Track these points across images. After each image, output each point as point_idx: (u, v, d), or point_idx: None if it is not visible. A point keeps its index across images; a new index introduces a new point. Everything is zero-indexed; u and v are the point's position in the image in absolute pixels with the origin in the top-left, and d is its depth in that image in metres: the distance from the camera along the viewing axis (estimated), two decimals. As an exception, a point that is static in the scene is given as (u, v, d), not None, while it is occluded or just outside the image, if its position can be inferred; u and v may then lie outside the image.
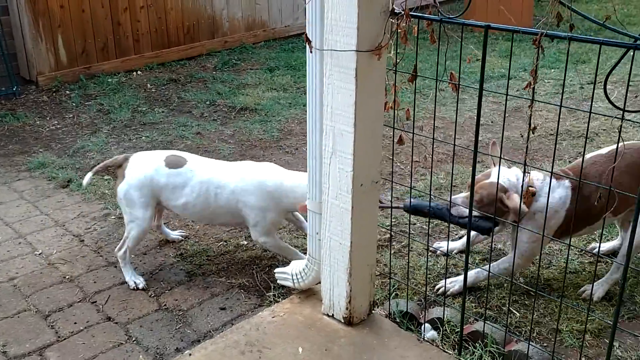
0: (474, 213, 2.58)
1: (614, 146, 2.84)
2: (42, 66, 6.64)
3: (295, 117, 5.79)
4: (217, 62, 7.67)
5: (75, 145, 5.16)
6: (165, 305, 3.04)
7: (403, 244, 3.46)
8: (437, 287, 3.01)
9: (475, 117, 2.18)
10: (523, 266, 2.98)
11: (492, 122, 5.61)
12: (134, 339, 2.80)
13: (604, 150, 2.96)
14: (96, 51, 6.99)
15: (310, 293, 2.64)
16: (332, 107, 2.11)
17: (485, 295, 2.93)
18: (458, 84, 2.00)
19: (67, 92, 6.60)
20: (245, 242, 3.60)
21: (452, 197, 2.81)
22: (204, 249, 3.54)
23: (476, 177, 2.73)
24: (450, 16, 1.91)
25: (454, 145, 2.44)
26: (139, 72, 7.27)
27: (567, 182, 2.81)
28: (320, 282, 2.51)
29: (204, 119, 5.81)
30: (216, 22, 7.96)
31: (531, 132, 1.99)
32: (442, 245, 3.28)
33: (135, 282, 3.19)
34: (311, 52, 2.09)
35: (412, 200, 2.88)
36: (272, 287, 3.12)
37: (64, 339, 2.81)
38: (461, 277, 3.04)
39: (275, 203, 3.08)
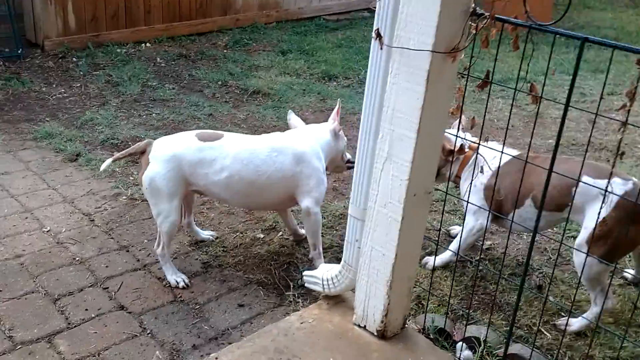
0: None
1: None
2: (49, 30, 6.41)
3: (310, 106, 5.63)
4: (228, 40, 7.48)
5: (84, 117, 4.97)
6: (180, 297, 2.91)
7: (427, 250, 3.35)
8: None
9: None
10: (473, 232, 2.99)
11: (512, 126, 5.49)
12: (148, 332, 2.67)
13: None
14: (106, 19, 6.76)
15: (338, 299, 2.52)
16: (393, 109, 1.98)
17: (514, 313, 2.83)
18: (540, 97, 1.88)
19: (74, 59, 6.39)
20: (262, 236, 3.47)
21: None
22: (219, 239, 3.41)
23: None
24: (542, 23, 1.77)
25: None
26: (148, 45, 7.06)
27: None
28: (352, 290, 2.39)
29: (216, 100, 5.64)
30: (230, -2, 7.77)
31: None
32: (429, 260, 3.16)
33: (176, 280, 2.98)
34: (381, 49, 1.94)
35: None
36: (291, 286, 3.01)
37: (75, 326, 2.67)
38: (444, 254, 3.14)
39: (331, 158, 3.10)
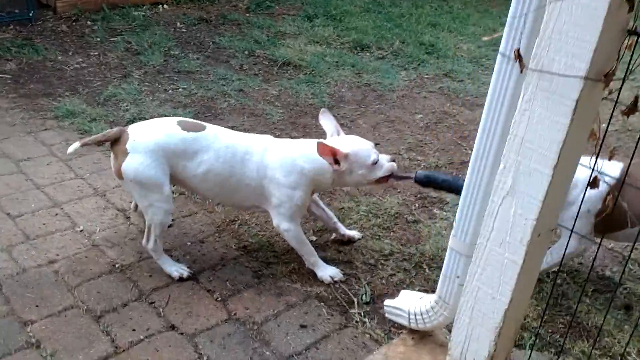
0: None
1: None
2: (62, -10, 5.99)
3: (345, 81, 5.27)
4: (249, 1, 7.05)
5: (106, 91, 4.62)
6: (235, 314, 2.63)
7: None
8: None
9: None
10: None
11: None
12: (205, 358, 2.40)
13: None
14: (122, -21, 6.32)
15: (424, 333, 2.25)
16: (522, 138, 1.66)
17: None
18: None
19: (89, 23, 5.99)
20: (315, 238, 3.18)
21: None
22: (268, 242, 3.12)
23: None
24: None
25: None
26: (165, 6, 6.65)
27: None
28: (443, 327, 2.12)
29: (244, 73, 5.27)
30: (253, -42, 7.28)
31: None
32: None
33: (180, 272, 2.79)
34: (521, 72, 1.61)
35: (422, 171, 2.82)
36: (355, 302, 2.74)
37: (123, 351, 2.40)
38: None
39: (307, 179, 2.71)
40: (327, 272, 2.86)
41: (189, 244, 3.07)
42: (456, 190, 2.57)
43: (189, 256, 2.97)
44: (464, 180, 2.43)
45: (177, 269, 2.80)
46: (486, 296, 1.90)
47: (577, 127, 1.58)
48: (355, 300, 2.75)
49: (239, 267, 2.92)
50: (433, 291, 2.81)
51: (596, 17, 1.44)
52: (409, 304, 2.21)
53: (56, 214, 3.19)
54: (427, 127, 4.56)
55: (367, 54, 5.96)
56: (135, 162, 2.62)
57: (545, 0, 1.51)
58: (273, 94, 4.91)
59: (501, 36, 1.68)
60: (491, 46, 6.31)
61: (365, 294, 2.78)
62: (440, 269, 2.92)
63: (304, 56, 5.65)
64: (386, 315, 2.32)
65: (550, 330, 2.61)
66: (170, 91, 4.78)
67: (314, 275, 2.89)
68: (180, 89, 4.82)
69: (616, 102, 1.65)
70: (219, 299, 2.71)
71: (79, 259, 2.88)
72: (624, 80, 1.63)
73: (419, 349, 2.18)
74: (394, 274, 2.91)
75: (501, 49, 1.67)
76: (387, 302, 2.30)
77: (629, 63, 1.59)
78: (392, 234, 3.25)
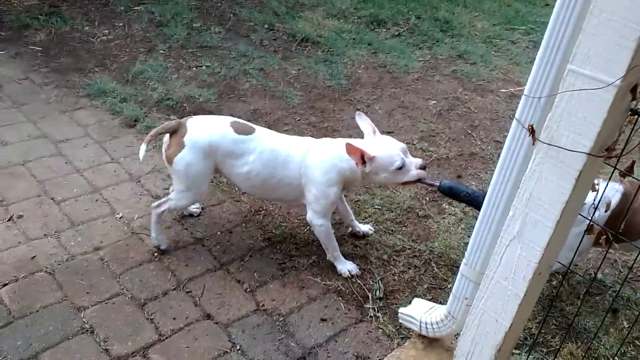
0: None
1: None
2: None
3: (362, 61, 5.45)
4: (268, -33, 7.09)
5: (134, 68, 4.82)
6: (263, 305, 2.95)
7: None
8: None
9: None
10: None
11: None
12: (238, 348, 2.73)
13: None
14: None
15: (432, 338, 2.56)
16: (530, 193, 1.92)
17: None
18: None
19: (111, -12, 6.08)
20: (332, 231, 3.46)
21: None
22: (290, 234, 3.41)
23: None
24: None
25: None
26: (185, -29, 6.69)
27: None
28: (451, 336, 2.44)
29: (265, 49, 5.44)
30: None
31: None
32: None
33: (158, 241, 3.15)
34: (533, 144, 1.85)
35: (449, 181, 2.93)
36: (370, 297, 3.05)
37: (166, 338, 2.73)
38: None
39: (341, 177, 2.97)
40: (346, 266, 3.16)
41: (218, 233, 3.36)
42: (476, 205, 2.80)
43: (219, 246, 3.27)
44: (483, 197, 2.72)
45: (157, 238, 3.13)
46: (490, 318, 2.20)
47: (578, 191, 1.83)
48: (369, 295, 3.06)
49: (265, 259, 3.23)
50: (440, 289, 3.14)
51: (602, 104, 1.66)
52: (420, 314, 2.51)
53: (96, 200, 3.47)
54: (439, 114, 4.78)
55: (383, 30, 6.10)
56: (188, 156, 2.92)
57: (557, 89, 1.74)
58: (292, 74, 5.10)
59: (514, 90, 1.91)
60: (504, 24, 6.42)
61: (379, 289, 3.09)
62: (447, 267, 3.24)
63: (322, 32, 5.80)
64: (400, 321, 2.63)
65: (543, 332, 2.94)
66: (194, 68, 4.98)
67: (333, 269, 3.19)
68: (203, 67, 5.01)
69: (614, 168, 1.90)
70: (248, 289, 3.03)
71: (121, 246, 3.18)
72: (621, 153, 1.87)
73: (428, 353, 2.50)
74: (405, 271, 3.21)
75: (517, 115, 1.90)
76: (401, 310, 2.61)
77: (629, 135, 1.84)
78: (403, 228, 3.54)
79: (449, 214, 3.68)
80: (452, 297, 2.35)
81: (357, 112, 3.15)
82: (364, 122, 3.09)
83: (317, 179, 2.97)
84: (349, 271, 3.15)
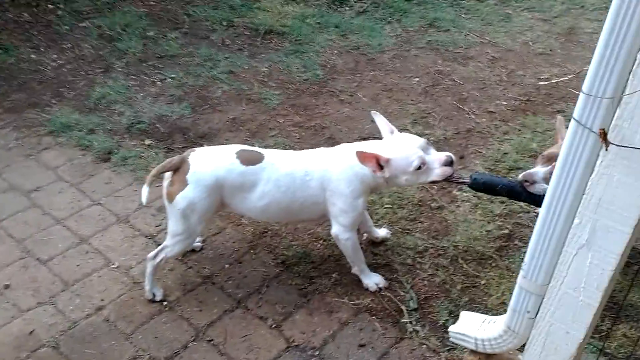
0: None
1: None
2: (16, -25, 5.58)
3: (332, 46, 5.16)
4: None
5: (94, 93, 4.44)
6: (293, 340, 2.71)
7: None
8: None
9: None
10: None
11: (550, 50, 5.16)
12: (278, 395, 2.50)
13: None
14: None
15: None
16: (600, 199, 1.71)
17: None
18: None
19: (50, 6, 5.64)
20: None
21: (529, 172, 2.59)
22: (304, 252, 3.16)
23: (551, 149, 2.67)
24: None
25: None
26: (125, -24, 6.25)
27: None
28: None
29: (229, 49, 5.11)
30: None
31: None
32: None
33: (153, 293, 2.88)
34: (606, 149, 1.62)
35: (480, 175, 2.65)
36: (404, 310, 2.84)
37: (197, 398, 2.48)
38: None
39: (366, 185, 2.72)
40: (373, 279, 2.94)
41: (227, 266, 3.09)
42: (516, 196, 2.60)
43: (231, 280, 3.01)
44: (520, 185, 2.51)
45: (152, 291, 2.88)
46: (559, 330, 2.00)
47: (658, 192, 1.63)
48: (403, 308, 2.84)
49: (283, 286, 2.98)
50: (474, 287, 2.94)
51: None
52: (474, 331, 2.30)
53: (86, 252, 3.16)
54: (425, 92, 4.55)
55: (347, 8, 5.80)
56: (191, 194, 2.65)
57: (622, 86, 1.52)
58: (264, 72, 4.79)
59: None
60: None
61: (412, 300, 2.88)
62: (475, 262, 3.04)
63: (285, 20, 5.48)
64: (451, 339, 2.42)
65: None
66: (159, 83, 4.63)
67: (357, 284, 2.97)
68: (168, 80, 4.66)
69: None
70: (273, 325, 2.78)
71: (125, 301, 2.89)
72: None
73: (488, 369, 2.30)
74: (434, 274, 3.00)
75: (577, 115, 1.67)
76: (451, 328, 2.40)
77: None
78: (419, 225, 3.32)
79: (462, 200, 3.48)
80: (511, 311, 2.14)
81: (373, 112, 2.86)
82: (380, 121, 2.81)
83: (342, 191, 2.72)
84: (376, 284, 2.93)
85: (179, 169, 2.70)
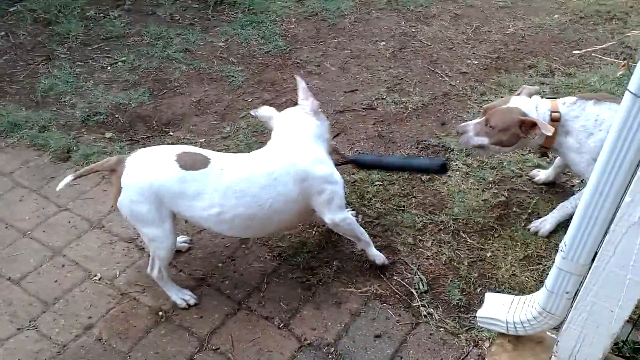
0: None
1: None
2: None
3: (289, 14, 4.90)
4: None
5: (39, 85, 4.06)
6: (304, 338, 2.56)
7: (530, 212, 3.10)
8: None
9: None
10: None
11: (511, 2, 5.05)
12: (300, 401, 2.35)
13: None
14: None
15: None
16: (655, 176, 1.60)
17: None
18: None
19: (-28, -9, 5.10)
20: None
21: (464, 123, 2.84)
22: (300, 242, 2.99)
23: (492, 103, 2.82)
24: None
25: None
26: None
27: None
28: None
29: (179, 25, 4.77)
30: None
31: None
32: (541, 226, 2.97)
33: (185, 300, 2.67)
34: None
35: (361, 155, 3.11)
36: (414, 293, 2.72)
37: (214, 415, 2.31)
38: (551, 215, 2.93)
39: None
40: (380, 253, 2.80)
41: (220, 265, 2.89)
42: (395, 166, 3.12)
43: (227, 281, 2.81)
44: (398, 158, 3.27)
45: (182, 297, 2.67)
46: (602, 310, 1.92)
47: None
48: (413, 291, 2.73)
49: (284, 281, 2.81)
50: (481, 260, 2.85)
51: None
52: (504, 314, 2.21)
53: (62, 265, 2.89)
54: (394, 56, 4.38)
55: (298, -28, 5.50)
56: (128, 199, 2.41)
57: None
58: (221, 47, 4.50)
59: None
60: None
61: (421, 281, 2.76)
62: (478, 234, 2.95)
63: (234, -11, 5.15)
64: (479, 324, 2.32)
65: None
66: (109, 68, 4.28)
67: (360, 270, 2.83)
68: (119, 64, 4.31)
69: None
70: (281, 324, 2.61)
71: (115, 316, 2.66)
72: None
73: (521, 352, 2.22)
74: (438, 251, 2.89)
75: (632, 88, 1.54)
76: (479, 313, 2.29)
77: None
78: (414, 200, 3.20)
79: (453, 170, 3.36)
80: (546, 293, 2.05)
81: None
82: (268, 112, 2.84)
83: (324, 176, 2.54)
84: (383, 258, 2.80)
85: (115, 171, 2.45)
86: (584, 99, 2.72)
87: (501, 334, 2.29)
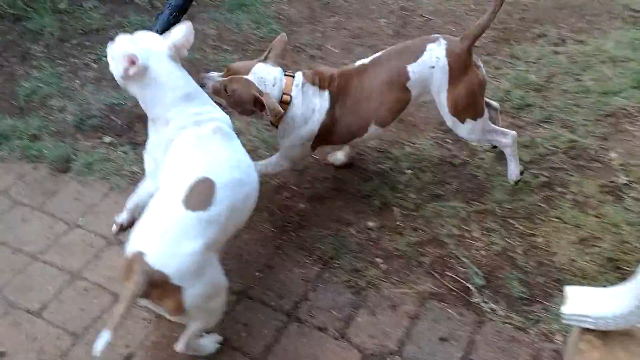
0: None
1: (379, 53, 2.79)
2: None
3: (282, -9, 4.62)
4: None
5: (20, 89, 3.71)
6: (365, 348, 2.38)
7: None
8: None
9: None
10: (287, 167, 2.91)
11: None
12: (375, 418, 2.19)
13: (368, 60, 2.79)
14: None
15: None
16: None
17: None
18: None
19: None
20: (373, 224, 2.88)
21: (205, 75, 2.69)
22: (339, 242, 2.78)
23: (237, 64, 2.72)
24: None
25: None
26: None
27: (326, 94, 2.71)
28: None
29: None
30: None
31: None
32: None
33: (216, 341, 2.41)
34: None
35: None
36: (470, 289, 2.57)
37: None
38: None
39: None
40: None
41: (257, 275, 2.68)
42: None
43: (270, 291, 2.61)
44: None
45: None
46: None
47: None
48: (469, 286, 2.58)
49: (330, 286, 2.62)
50: (534, 247, 2.72)
51: None
52: (594, 309, 2.07)
53: (85, 289, 2.62)
54: (397, 33, 4.18)
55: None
56: None
57: None
58: (212, 35, 4.21)
59: None
60: None
61: (477, 275, 2.61)
62: (526, 219, 2.81)
63: (214, -29, 4.82)
64: (565, 322, 2.17)
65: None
66: (94, 65, 3.95)
67: (408, 268, 2.67)
68: (103, 59, 3.95)
69: None
70: (337, 335, 2.43)
71: (155, 342, 2.42)
72: None
73: (612, 348, 2.09)
74: (490, 242, 2.75)
75: None
76: (563, 310, 2.13)
77: None
78: (449, 187, 3.04)
79: (482, 150, 3.21)
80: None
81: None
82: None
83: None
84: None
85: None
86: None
87: (585, 330, 2.15)
